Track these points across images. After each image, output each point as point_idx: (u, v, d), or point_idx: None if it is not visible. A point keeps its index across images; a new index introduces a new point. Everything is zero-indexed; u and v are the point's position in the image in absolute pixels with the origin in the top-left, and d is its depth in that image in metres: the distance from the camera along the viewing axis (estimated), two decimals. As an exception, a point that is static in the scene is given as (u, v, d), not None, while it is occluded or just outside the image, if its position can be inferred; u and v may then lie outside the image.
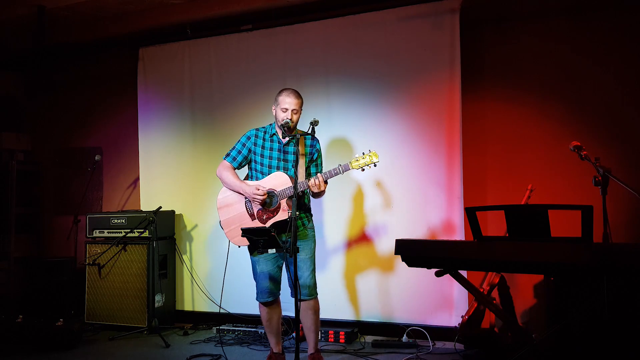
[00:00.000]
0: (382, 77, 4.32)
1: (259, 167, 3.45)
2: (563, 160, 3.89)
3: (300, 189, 3.18)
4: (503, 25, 4.22)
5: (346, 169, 3.23)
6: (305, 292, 3.36)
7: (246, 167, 3.57)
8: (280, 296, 3.51)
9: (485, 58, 4.25)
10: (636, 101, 3.85)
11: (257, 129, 3.51)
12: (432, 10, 4.17)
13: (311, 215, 3.53)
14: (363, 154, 3.25)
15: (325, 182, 3.25)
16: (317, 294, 3.42)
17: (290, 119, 3.32)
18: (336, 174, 3.24)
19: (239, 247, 3.37)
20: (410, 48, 4.24)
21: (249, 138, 3.50)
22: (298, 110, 3.37)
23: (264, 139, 3.46)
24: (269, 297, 3.42)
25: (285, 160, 3.41)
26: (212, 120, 4.93)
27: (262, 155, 3.44)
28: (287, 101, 3.34)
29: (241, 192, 3.39)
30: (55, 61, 5.66)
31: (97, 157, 4.99)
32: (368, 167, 3.24)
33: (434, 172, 4.12)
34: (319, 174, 3.23)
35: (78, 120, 5.78)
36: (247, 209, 3.40)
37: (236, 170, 3.51)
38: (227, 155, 3.52)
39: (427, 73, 4.19)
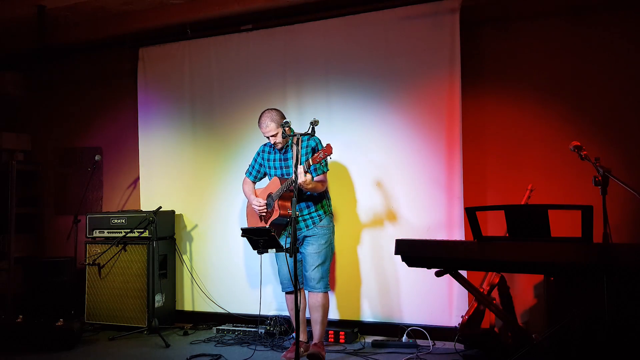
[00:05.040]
0: (382, 77, 4.32)
1: (269, 178, 3.86)
2: (563, 160, 3.89)
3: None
4: (503, 25, 4.21)
5: (306, 167, 3.31)
6: (311, 285, 3.58)
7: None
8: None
9: (485, 58, 4.25)
10: (636, 101, 3.85)
11: (265, 144, 3.85)
12: (432, 10, 4.16)
13: (325, 213, 3.70)
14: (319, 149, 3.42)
15: (308, 172, 3.31)
16: (323, 289, 3.59)
17: (274, 143, 3.63)
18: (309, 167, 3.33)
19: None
20: (410, 48, 4.24)
21: (258, 154, 3.92)
22: (275, 134, 3.61)
23: (268, 152, 3.85)
24: (289, 287, 3.72)
25: (287, 167, 3.70)
26: (212, 120, 4.93)
27: (269, 167, 3.82)
28: (263, 131, 3.64)
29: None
30: (56, 61, 5.66)
31: (97, 157, 4.97)
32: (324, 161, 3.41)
33: (434, 172, 4.12)
34: (300, 166, 3.27)
35: (78, 120, 5.78)
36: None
37: (257, 182, 3.96)
38: (246, 170, 3.99)
39: (427, 73, 4.19)
